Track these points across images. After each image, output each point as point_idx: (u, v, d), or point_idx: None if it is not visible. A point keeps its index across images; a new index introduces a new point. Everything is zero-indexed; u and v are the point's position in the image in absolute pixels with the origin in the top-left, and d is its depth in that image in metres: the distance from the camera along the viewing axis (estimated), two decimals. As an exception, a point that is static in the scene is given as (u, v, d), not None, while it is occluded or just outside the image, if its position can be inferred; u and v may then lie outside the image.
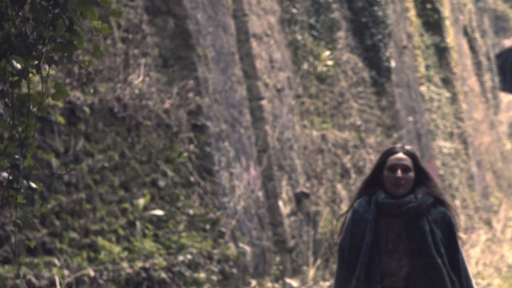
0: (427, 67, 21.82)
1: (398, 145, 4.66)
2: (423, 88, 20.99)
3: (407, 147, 4.63)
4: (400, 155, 4.56)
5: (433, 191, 4.56)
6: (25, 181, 3.64)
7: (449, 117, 22.74)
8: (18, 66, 3.38)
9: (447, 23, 23.17)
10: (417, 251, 4.46)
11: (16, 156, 3.55)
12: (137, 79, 9.68)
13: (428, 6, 22.28)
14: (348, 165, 14.97)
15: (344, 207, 14.11)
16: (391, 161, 4.55)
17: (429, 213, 4.54)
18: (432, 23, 22.42)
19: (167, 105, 9.99)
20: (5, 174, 3.70)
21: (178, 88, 10.27)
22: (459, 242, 4.64)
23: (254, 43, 12.05)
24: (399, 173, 4.49)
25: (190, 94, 10.35)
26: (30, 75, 3.45)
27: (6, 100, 3.50)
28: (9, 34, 3.39)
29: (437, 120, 21.68)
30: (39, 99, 3.46)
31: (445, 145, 21.81)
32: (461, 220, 20.16)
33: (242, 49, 11.93)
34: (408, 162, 4.54)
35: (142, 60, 9.93)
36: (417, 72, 20.76)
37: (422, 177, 4.57)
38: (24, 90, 3.60)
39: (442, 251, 4.49)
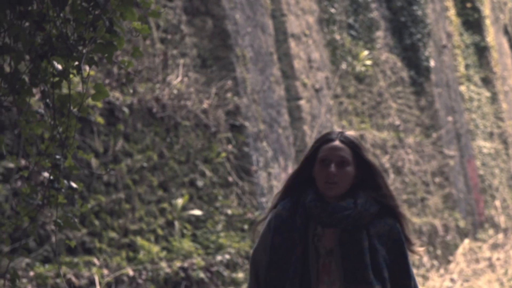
0: (467, 66, 21.66)
1: (337, 130, 3.52)
2: (462, 88, 20.83)
3: (348, 132, 3.50)
4: (337, 143, 3.43)
5: (381, 195, 3.44)
6: (65, 181, 3.67)
7: (489, 116, 22.55)
8: (59, 67, 3.41)
9: (487, 22, 22.97)
10: (350, 274, 3.35)
11: (57, 156, 3.57)
12: (176, 80, 9.71)
13: (468, 5, 22.10)
14: (387, 165, 14.89)
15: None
16: (324, 152, 3.41)
17: (372, 224, 3.42)
18: (472, 22, 22.24)
19: (205, 105, 10.02)
20: (46, 174, 3.73)
21: (216, 88, 10.29)
22: (411, 264, 3.49)
23: (292, 43, 12.04)
24: (332, 167, 3.37)
25: (228, 94, 10.37)
26: (71, 76, 3.47)
27: (47, 100, 3.53)
28: (50, 35, 3.41)
29: (477, 120, 21.50)
30: (79, 100, 3.48)
31: (485, 145, 21.63)
32: (501, 221, 19.99)
33: (280, 49, 11.93)
34: (346, 153, 3.41)
35: (181, 61, 9.96)
36: (457, 72, 20.61)
37: (367, 175, 3.44)
38: (65, 90, 3.62)
39: (384, 275, 3.39)
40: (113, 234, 8.03)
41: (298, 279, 3.39)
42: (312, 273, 3.39)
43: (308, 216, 3.42)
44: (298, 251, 3.40)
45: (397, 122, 16.02)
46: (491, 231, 19.10)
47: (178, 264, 8.37)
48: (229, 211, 9.84)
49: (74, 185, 3.70)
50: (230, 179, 10.13)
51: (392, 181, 14.82)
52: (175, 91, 9.53)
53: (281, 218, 3.45)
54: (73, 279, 7.03)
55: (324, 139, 3.47)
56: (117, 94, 8.49)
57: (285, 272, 3.39)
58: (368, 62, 14.87)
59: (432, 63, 17.63)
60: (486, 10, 23.04)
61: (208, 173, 9.81)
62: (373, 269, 3.39)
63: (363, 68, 14.70)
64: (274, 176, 10.88)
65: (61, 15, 3.42)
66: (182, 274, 8.33)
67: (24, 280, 6.56)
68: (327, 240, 3.41)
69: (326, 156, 3.41)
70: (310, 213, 3.41)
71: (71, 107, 3.50)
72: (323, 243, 3.41)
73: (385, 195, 3.44)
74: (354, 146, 3.45)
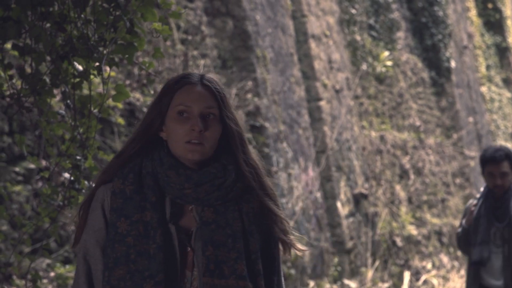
0: (488, 67, 21.55)
1: (196, 72, 2.62)
2: (483, 89, 20.73)
3: (209, 74, 2.62)
4: (200, 88, 2.55)
5: (244, 162, 2.60)
6: (86, 182, 3.68)
7: (510, 117, 22.42)
8: (80, 68, 3.41)
9: (509, 22, 22.84)
10: (215, 266, 2.49)
11: (78, 157, 3.58)
12: (196, 80, 9.72)
13: (489, 5, 21.99)
14: (407, 166, 14.84)
15: (403, 208, 14.02)
16: (182, 100, 2.55)
17: (244, 199, 2.58)
18: (493, 23, 22.12)
19: (225, 106, 10.02)
20: (67, 175, 3.73)
21: (236, 89, 10.29)
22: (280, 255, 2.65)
23: (312, 44, 12.02)
24: (198, 122, 2.52)
25: (249, 95, 10.37)
26: (92, 76, 3.48)
27: (68, 101, 3.54)
28: (71, 36, 3.42)
29: (498, 120, 21.39)
30: (100, 101, 3.49)
31: (506, 145, 21.49)
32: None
33: (300, 50, 11.91)
34: (212, 102, 2.56)
35: (201, 61, 9.97)
36: (478, 73, 20.51)
37: (230, 136, 2.61)
38: (86, 91, 3.63)
39: (259, 267, 2.54)
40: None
41: (162, 276, 2.47)
42: (177, 266, 2.50)
43: (161, 189, 2.55)
44: (158, 237, 2.49)
45: (418, 123, 15.96)
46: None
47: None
48: (249, 212, 9.83)
49: (94, 186, 3.70)
50: (250, 180, 10.12)
51: (412, 181, 14.78)
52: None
53: (123, 194, 2.52)
54: (94, 279, 7.04)
55: (182, 81, 2.57)
56: (137, 95, 8.50)
57: (141, 269, 2.48)
58: (389, 63, 14.82)
59: (453, 64, 17.55)
60: (507, 10, 22.92)
61: (228, 174, 9.81)
62: (247, 258, 2.52)
63: (383, 69, 14.66)
64: (294, 177, 10.87)
65: (82, 16, 3.42)
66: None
67: (45, 281, 6.58)
68: (185, 220, 2.56)
69: (186, 106, 2.53)
70: (165, 185, 2.53)
71: (92, 108, 3.51)
72: (182, 225, 2.55)
73: (253, 163, 2.65)
74: (220, 94, 2.58)
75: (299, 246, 2.67)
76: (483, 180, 18.72)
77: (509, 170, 5.80)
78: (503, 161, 5.82)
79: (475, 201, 5.97)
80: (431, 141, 16.31)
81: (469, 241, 5.89)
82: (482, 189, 6.10)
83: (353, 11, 13.84)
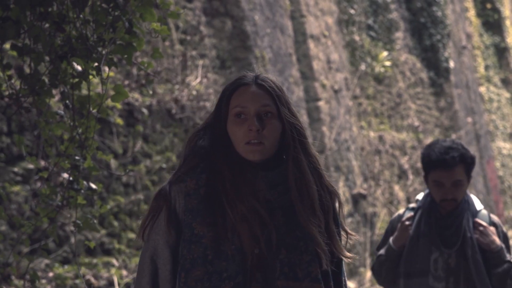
0: (487, 67, 21.56)
1: (252, 73, 2.66)
2: (482, 89, 20.74)
3: (265, 74, 2.68)
4: (254, 89, 2.59)
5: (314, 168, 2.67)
6: (85, 182, 3.67)
7: (508, 117, 22.43)
8: (79, 68, 3.41)
9: (507, 23, 22.86)
10: (290, 269, 2.53)
11: (77, 157, 3.58)
12: (195, 81, 9.71)
13: (488, 6, 22.01)
14: (406, 166, 14.84)
15: (401, 208, 14.02)
16: (236, 102, 2.58)
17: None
18: (492, 23, 22.13)
19: (224, 106, 10.02)
20: (65, 175, 3.73)
21: (235, 89, 10.30)
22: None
23: (311, 44, 12.02)
24: (253, 122, 2.53)
25: (248, 95, 10.37)
26: (90, 77, 3.48)
27: (67, 101, 3.54)
28: (70, 36, 3.42)
29: (497, 121, 21.40)
30: (99, 101, 3.49)
31: (504, 146, 21.52)
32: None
33: (299, 50, 11.91)
34: (268, 100, 2.58)
35: (200, 62, 9.96)
36: (476, 73, 20.52)
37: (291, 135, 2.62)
38: (84, 92, 3.63)
39: (329, 269, 2.62)
40: (132, 235, 8.05)
41: (241, 277, 2.51)
42: (248, 268, 2.52)
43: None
44: (237, 239, 2.53)
45: (416, 123, 15.96)
46: (510, 233, 19.00)
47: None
48: (248, 212, 9.84)
49: (93, 186, 3.71)
50: (249, 180, 10.12)
51: (411, 182, 14.78)
52: (194, 92, 9.53)
53: (197, 195, 2.55)
54: (92, 280, 7.05)
55: (238, 83, 2.61)
56: (136, 95, 8.50)
57: (219, 270, 2.50)
58: (388, 63, 14.83)
59: (451, 64, 17.55)
60: (506, 11, 22.93)
61: (227, 174, 9.82)
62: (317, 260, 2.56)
63: (382, 69, 14.66)
64: (293, 177, 10.88)
65: (81, 16, 3.42)
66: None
67: (43, 281, 6.58)
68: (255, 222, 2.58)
69: (242, 107, 2.56)
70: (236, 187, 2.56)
71: (91, 108, 3.51)
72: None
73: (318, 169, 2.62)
74: (275, 92, 2.62)
75: (354, 236, 2.66)
76: (481, 180, 18.74)
77: (465, 177, 4.09)
78: (457, 166, 4.08)
79: (409, 213, 4.21)
80: (429, 141, 16.32)
81: (396, 270, 4.17)
82: (419, 196, 4.28)
83: (352, 11, 13.85)
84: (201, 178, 2.52)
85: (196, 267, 2.45)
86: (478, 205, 4.23)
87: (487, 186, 18.84)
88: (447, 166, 4.06)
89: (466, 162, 4.11)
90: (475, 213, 4.18)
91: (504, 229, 4.22)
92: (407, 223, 4.15)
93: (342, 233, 2.63)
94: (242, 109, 2.53)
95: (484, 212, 4.19)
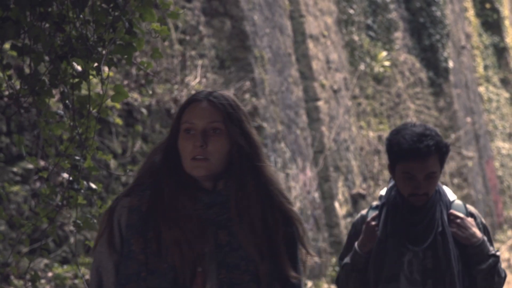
0: (486, 67, 21.56)
1: (208, 90, 2.65)
2: (481, 89, 20.74)
3: (222, 91, 2.64)
4: (205, 105, 2.58)
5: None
6: (85, 182, 3.67)
7: (508, 117, 22.44)
8: (79, 68, 3.41)
9: (507, 22, 22.87)
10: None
11: (76, 157, 3.58)
12: (194, 81, 9.72)
13: (487, 5, 22.01)
14: (405, 166, 14.86)
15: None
16: (186, 117, 2.59)
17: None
18: (491, 23, 22.14)
19: (223, 106, 10.02)
20: (65, 175, 3.74)
21: (234, 89, 10.29)
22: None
23: (310, 44, 12.02)
24: (197, 138, 2.54)
25: (247, 95, 10.37)
26: (90, 77, 3.48)
27: (67, 101, 3.54)
28: (70, 36, 3.42)
29: (496, 120, 21.41)
30: (99, 101, 3.49)
31: (503, 146, 21.53)
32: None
33: (298, 50, 11.91)
34: (217, 116, 2.56)
35: (199, 62, 9.97)
36: (476, 73, 20.52)
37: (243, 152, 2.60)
38: (84, 92, 3.63)
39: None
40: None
41: None
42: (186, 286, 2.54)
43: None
44: (170, 257, 2.56)
45: (416, 123, 15.97)
46: (510, 232, 19.01)
47: (196, 265, 8.36)
48: (247, 212, 9.84)
49: (93, 186, 3.71)
50: (248, 180, 10.12)
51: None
52: (193, 92, 9.53)
53: (138, 212, 2.59)
54: (92, 279, 7.04)
55: (190, 100, 2.61)
56: (135, 95, 8.50)
57: (151, 287, 2.55)
58: (387, 63, 14.83)
59: (450, 64, 17.56)
60: (505, 10, 22.94)
61: (226, 174, 9.82)
62: (261, 280, 2.57)
63: (381, 69, 14.66)
64: (292, 177, 10.87)
65: (81, 16, 3.42)
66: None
67: (43, 281, 6.58)
68: (200, 240, 2.59)
69: (191, 123, 2.56)
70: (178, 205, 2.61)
71: (91, 108, 3.51)
72: (196, 245, 2.59)
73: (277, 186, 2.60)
74: (226, 107, 2.56)
75: (314, 257, 2.64)
76: (481, 180, 18.75)
77: (439, 168, 3.56)
78: (431, 156, 3.52)
79: (373, 212, 3.66)
80: (429, 141, 16.32)
81: (364, 278, 3.60)
82: (382, 192, 3.72)
83: (351, 11, 13.85)
84: (145, 195, 2.55)
85: (130, 283, 2.50)
86: (451, 195, 3.69)
87: (486, 186, 18.84)
88: (421, 157, 3.47)
89: (441, 151, 3.57)
90: (449, 204, 3.64)
91: (483, 219, 3.68)
92: (372, 223, 3.58)
93: (305, 255, 2.62)
94: (191, 125, 2.54)
95: (459, 202, 3.66)
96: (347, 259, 3.65)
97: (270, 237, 2.54)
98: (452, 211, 3.61)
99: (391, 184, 3.67)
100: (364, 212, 3.73)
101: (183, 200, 2.51)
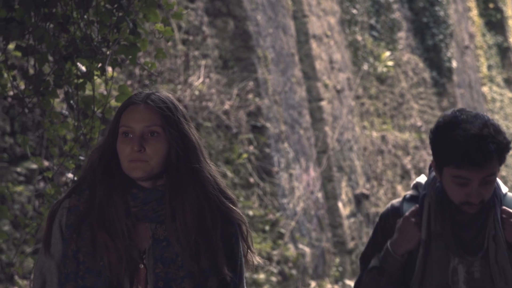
0: (489, 67, 21.55)
1: (147, 91, 2.62)
2: (485, 89, 20.73)
3: (160, 93, 2.61)
4: (142, 108, 2.57)
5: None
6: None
7: (511, 117, 22.42)
8: (83, 68, 3.42)
9: (510, 22, 22.85)
10: (164, 284, 2.56)
11: (81, 157, 3.59)
12: (197, 81, 9.73)
13: (491, 5, 22.00)
14: (409, 166, 14.85)
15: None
16: (123, 121, 2.58)
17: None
18: (495, 23, 22.12)
19: (226, 106, 10.03)
20: (70, 175, 3.75)
21: (238, 89, 10.30)
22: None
23: (314, 44, 12.03)
24: (135, 142, 2.53)
25: (250, 96, 10.38)
26: (95, 77, 3.49)
27: (71, 102, 3.55)
28: (75, 37, 3.43)
29: (500, 121, 21.39)
30: (103, 101, 3.50)
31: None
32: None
33: (302, 50, 11.92)
34: (154, 120, 2.55)
35: (202, 62, 9.97)
36: (479, 73, 20.51)
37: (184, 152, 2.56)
38: (89, 92, 3.64)
39: (212, 284, 2.60)
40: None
41: None
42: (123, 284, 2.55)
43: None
44: (105, 255, 2.58)
45: (419, 123, 15.97)
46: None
47: (199, 265, 8.37)
48: (250, 212, 9.85)
49: (97, 186, 3.71)
50: (252, 180, 10.13)
51: (413, 182, 14.79)
52: (196, 92, 9.54)
53: (77, 211, 2.60)
54: (96, 279, 7.05)
55: (128, 102, 2.59)
56: (139, 95, 8.51)
57: (89, 286, 2.57)
58: (390, 63, 14.83)
59: (454, 64, 17.55)
60: (508, 10, 22.92)
61: (229, 174, 9.82)
62: (197, 276, 2.56)
63: (384, 69, 14.66)
64: (296, 177, 10.88)
65: (85, 17, 3.43)
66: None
67: (47, 281, 6.59)
68: (141, 237, 2.60)
69: (128, 127, 2.56)
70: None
71: (95, 109, 3.52)
72: (137, 241, 2.58)
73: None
74: (164, 112, 2.55)
75: (255, 259, 2.68)
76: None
77: (498, 169, 2.82)
78: (492, 160, 2.80)
79: (408, 206, 3.00)
80: (432, 141, 16.32)
81: (397, 285, 2.93)
82: (420, 179, 3.08)
83: (354, 11, 13.85)
84: (84, 195, 2.59)
85: (69, 282, 2.56)
86: (503, 187, 2.97)
87: (489, 186, 18.84)
88: (477, 164, 2.77)
89: (502, 152, 2.81)
90: (502, 198, 2.93)
91: None
92: (413, 220, 2.91)
93: (248, 253, 2.67)
94: (128, 128, 2.56)
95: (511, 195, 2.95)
96: (374, 262, 2.98)
97: (207, 235, 2.58)
98: (504, 207, 2.92)
99: (433, 174, 2.99)
100: (396, 203, 3.05)
101: (116, 199, 2.55)
